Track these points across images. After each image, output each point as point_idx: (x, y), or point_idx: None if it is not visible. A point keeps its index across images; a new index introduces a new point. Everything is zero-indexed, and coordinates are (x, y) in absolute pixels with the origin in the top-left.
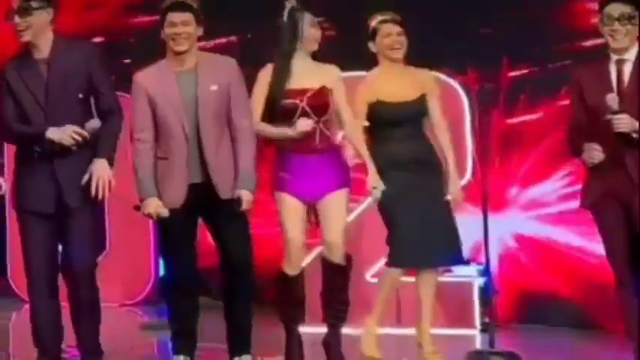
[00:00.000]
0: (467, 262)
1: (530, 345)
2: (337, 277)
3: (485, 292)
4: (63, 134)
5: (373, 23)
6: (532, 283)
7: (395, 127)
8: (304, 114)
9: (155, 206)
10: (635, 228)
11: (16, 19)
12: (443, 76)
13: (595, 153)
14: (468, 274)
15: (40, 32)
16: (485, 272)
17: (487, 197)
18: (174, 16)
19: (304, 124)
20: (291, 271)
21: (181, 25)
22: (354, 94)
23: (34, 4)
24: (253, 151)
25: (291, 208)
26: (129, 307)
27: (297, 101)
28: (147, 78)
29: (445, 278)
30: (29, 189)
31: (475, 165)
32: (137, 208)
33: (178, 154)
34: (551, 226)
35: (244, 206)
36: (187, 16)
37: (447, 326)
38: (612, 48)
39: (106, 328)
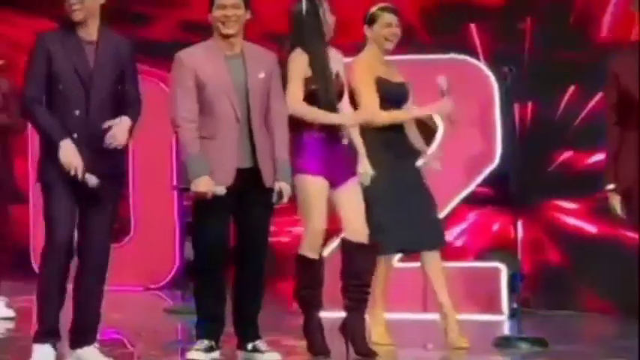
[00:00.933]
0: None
1: (558, 331)
2: (361, 258)
3: (514, 278)
4: (72, 162)
5: (373, 9)
6: (560, 269)
7: (398, 106)
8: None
9: (209, 184)
10: None
11: None
12: (473, 60)
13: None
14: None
15: (92, 14)
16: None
17: (516, 183)
18: None
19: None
20: (313, 254)
21: (231, 8)
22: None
23: None
24: (288, 142)
25: (317, 191)
26: (153, 291)
27: None
28: (194, 59)
29: (473, 264)
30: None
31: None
32: (181, 189)
33: (229, 136)
34: (580, 212)
35: (285, 199)
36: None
37: (475, 312)
38: None
39: (130, 313)
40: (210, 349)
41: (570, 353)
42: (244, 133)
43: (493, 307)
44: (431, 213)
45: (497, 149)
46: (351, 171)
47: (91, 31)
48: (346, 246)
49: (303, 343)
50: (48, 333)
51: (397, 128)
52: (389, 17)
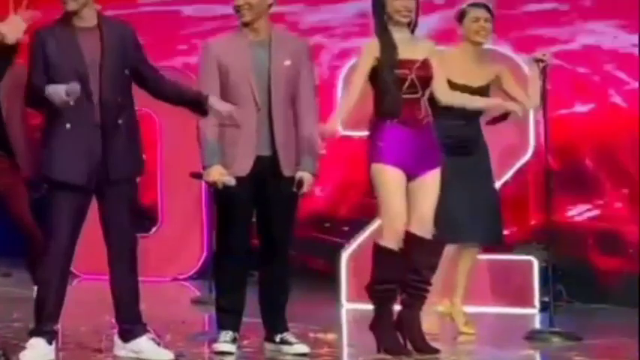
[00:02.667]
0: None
1: (590, 325)
2: (424, 253)
3: (546, 271)
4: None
5: (464, 5)
6: (594, 262)
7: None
8: (412, 85)
9: (220, 174)
10: None
11: None
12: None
13: None
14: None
15: (86, 3)
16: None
17: (551, 176)
18: None
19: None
20: (395, 246)
21: None
22: None
23: None
24: (317, 133)
25: (396, 181)
26: (180, 282)
27: (407, 71)
28: (220, 46)
29: (506, 257)
30: (62, 161)
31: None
32: (197, 175)
33: (249, 124)
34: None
35: (305, 189)
36: None
37: (506, 305)
38: None
39: (158, 303)
40: (234, 340)
41: (603, 347)
42: (264, 120)
43: (525, 300)
44: (493, 206)
45: (531, 141)
46: (434, 160)
47: (87, 18)
48: (410, 240)
49: (332, 336)
50: (46, 329)
51: (455, 125)
52: (477, 12)
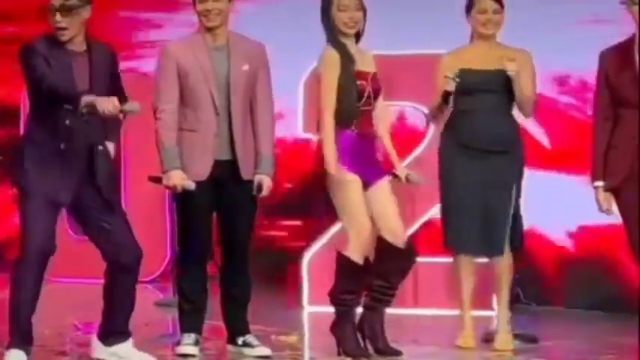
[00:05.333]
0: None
1: (549, 327)
2: (393, 260)
3: None
4: (110, 105)
5: None
6: (552, 265)
7: (472, 96)
8: (368, 97)
9: (180, 178)
10: None
11: (58, 17)
12: None
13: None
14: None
15: (79, 31)
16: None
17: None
18: None
19: None
20: (360, 259)
21: (212, 1)
22: None
23: (75, 4)
24: (274, 136)
25: (358, 191)
26: (144, 284)
27: (365, 83)
28: (179, 50)
29: None
30: (48, 176)
31: None
32: (155, 179)
33: (208, 128)
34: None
35: (264, 192)
36: None
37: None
38: None
39: None
40: (197, 343)
41: (560, 349)
42: (224, 125)
43: (483, 302)
44: (498, 218)
45: None
46: (381, 172)
47: (77, 43)
48: (381, 245)
49: (294, 338)
50: (22, 340)
51: (481, 123)
52: (485, 3)
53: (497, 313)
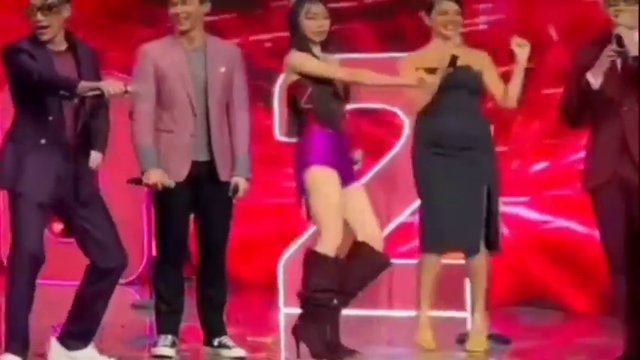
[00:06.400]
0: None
1: (521, 328)
2: (372, 267)
3: None
4: (115, 86)
5: None
6: (525, 266)
7: (438, 95)
8: (341, 96)
9: (160, 176)
10: (634, 217)
11: (39, 16)
12: None
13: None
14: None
15: (59, 31)
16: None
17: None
18: None
19: None
20: (331, 252)
21: (180, 5)
22: None
23: (55, 2)
24: (249, 138)
25: (336, 185)
26: (121, 286)
27: (336, 83)
28: (156, 51)
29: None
30: (32, 176)
31: None
32: (135, 181)
33: (185, 129)
34: (547, 208)
35: (240, 194)
36: None
37: (438, 309)
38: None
39: None
40: (173, 344)
41: (533, 350)
42: (202, 126)
43: (457, 304)
44: (475, 214)
45: None
46: (354, 174)
47: (57, 42)
48: (357, 250)
49: (268, 339)
50: (18, 344)
51: (450, 121)
52: (446, 5)
53: (472, 313)
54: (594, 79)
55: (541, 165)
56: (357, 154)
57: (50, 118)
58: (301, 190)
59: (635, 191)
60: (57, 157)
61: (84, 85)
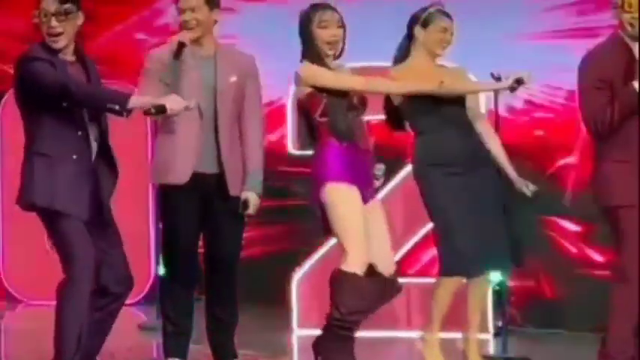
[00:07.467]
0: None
1: (544, 350)
2: (384, 292)
3: (499, 295)
4: (179, 104)
5: (432, 10)
6: (547, 287)
7: (434, 113)
8: (357, 107)
9: (177, 101)
10: None
11: (53, 22)
12: None
13: None
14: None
15: (71, 40)
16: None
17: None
18: (183, 2)
19: None
20: (361, 270)
21: (189, 12)
22: None
23: (71, 8)
24: (262, 151)
25: (358, 202)
26: (127, 307)
27: (351, 93)
28: (165, 56)
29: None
30: (68, 193)
31: None
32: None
33: (190, 135)
34: (566, 230)
35: (251, 210)
36: (195, 2)
37: (459, 330)
38: (631, 35)
39: None
40: None
41: None
42: (210, 136)
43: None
44: (499, 231)
45: None
46: (374, 191)
47: (68, 52)
48: (369, 272)
49: None
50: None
51: (454, 137)
52: (445, 22)
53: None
54: None
55: None
56: (379, 169)
57: (79, 133)
58: (318, 205)
59: None
60: (86, 174)
61: (138, 100)
